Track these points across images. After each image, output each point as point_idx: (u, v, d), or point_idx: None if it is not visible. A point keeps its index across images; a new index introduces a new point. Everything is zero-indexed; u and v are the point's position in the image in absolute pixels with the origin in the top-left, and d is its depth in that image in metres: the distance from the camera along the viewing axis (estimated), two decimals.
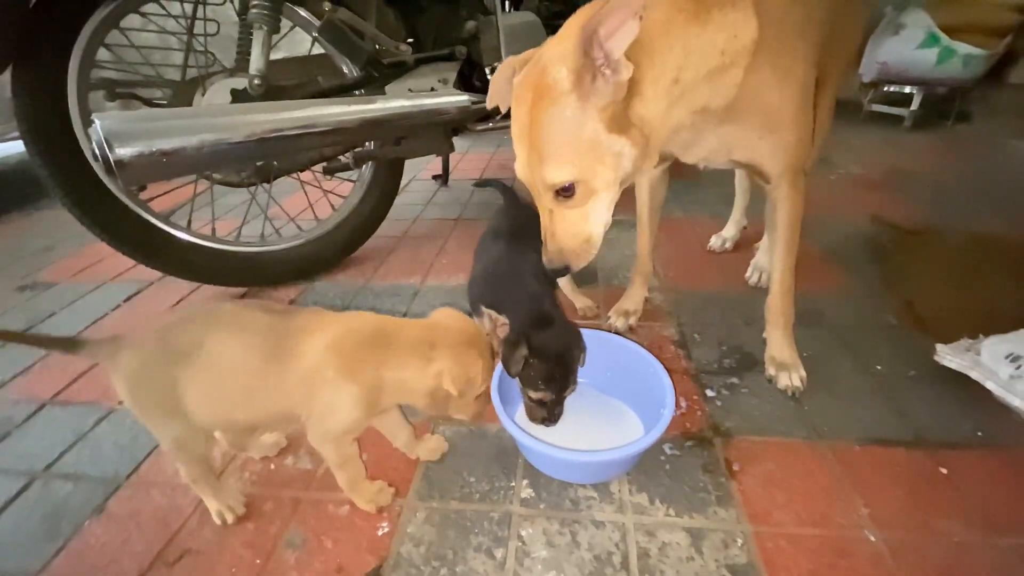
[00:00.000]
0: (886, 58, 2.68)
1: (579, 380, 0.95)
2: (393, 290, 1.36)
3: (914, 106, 2.77)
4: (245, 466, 0.85)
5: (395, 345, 0.68)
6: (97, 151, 0.93)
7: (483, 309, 0.83)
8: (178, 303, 1.36)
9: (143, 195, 1.21)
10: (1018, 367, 0.84)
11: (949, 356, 0.95)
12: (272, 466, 0.84)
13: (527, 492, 0.78)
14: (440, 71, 1.43)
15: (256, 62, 1.17)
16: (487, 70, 1.48)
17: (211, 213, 1.33)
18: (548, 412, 0.83)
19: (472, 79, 1.52)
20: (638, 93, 0.64)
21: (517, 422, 0.82)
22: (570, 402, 0.91)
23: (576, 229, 0.70)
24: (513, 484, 0.79)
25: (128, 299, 1.40)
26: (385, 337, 0.68)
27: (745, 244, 1.50)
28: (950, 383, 0.94)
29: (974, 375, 0.90)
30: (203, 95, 1.21)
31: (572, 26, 0.62)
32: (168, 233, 1.22)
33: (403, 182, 2.22)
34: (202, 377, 0.64)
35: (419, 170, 2.37)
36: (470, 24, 1.49)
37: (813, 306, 1.19)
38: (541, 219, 0.73)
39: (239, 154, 1.06)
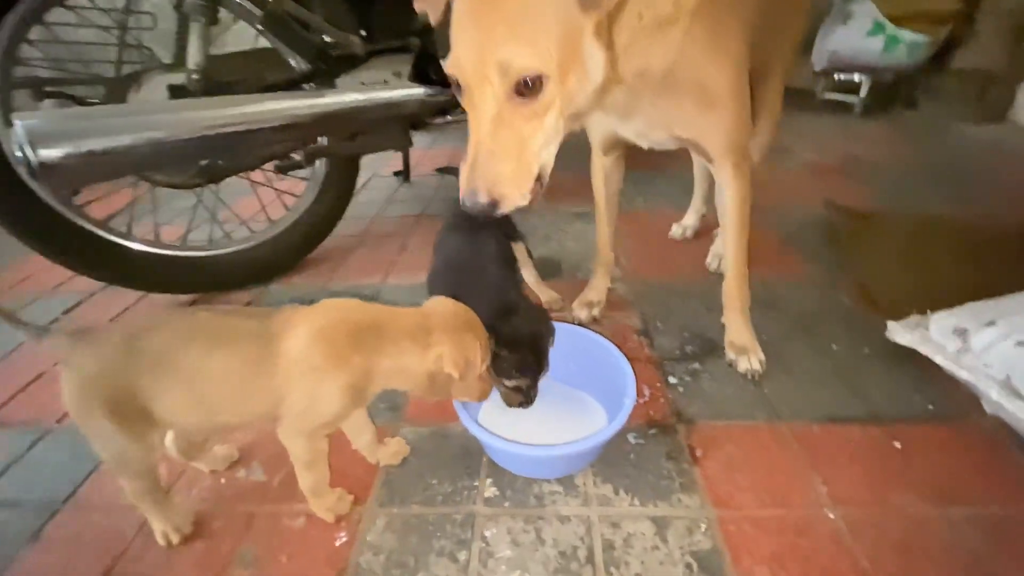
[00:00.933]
0: (836, 47, 2.75)
1: None
2: (352, 291, 1.32)
3: (863, 93, 2.86)
4: (194, 482, 0.80)
5: (389, 333, 0.66)
6: (19, 153, 0.86)
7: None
8: (123, 313, 1.29)
9: (77, 200, 1.14)
10: (964, 340, 0.86)
11: (900, 333, 0.98)
12: (223, 480, 0.80)
13: (491, 491, 0.76)
14: (394, 64, 1.39)
15: (194, 56, 1.11)
16: (442, 62, 1.44)
17: (154, 216, 1.26)
18: (525, 396, 0.82)
19: (427, 72, 1.48)
20: (617, 15, 0.61)
21: (479, 421, 0.81)
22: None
23: (522, 148, 0.57)
24: (477, 484, 0.77)
25: (67, 312, 1.31)
26: (376, 325, 0.66)
27: (706, 232, 1.51)
28: (902, 360, 0.97)
29: (923, 350, 0.93)
30: (138, 92, 1.14)
31: None
32: (107, 240, 1.15)
33: (363, 179, 2.16)
34: (183, 386, 0.61)
35: (380, 167, 2.32)
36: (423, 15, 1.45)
37: (771, 291, 1.21)
38: (474, 130, 0.57)
39: (178, 153, 1.01)
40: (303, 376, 0.63)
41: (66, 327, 0.66)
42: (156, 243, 1.22)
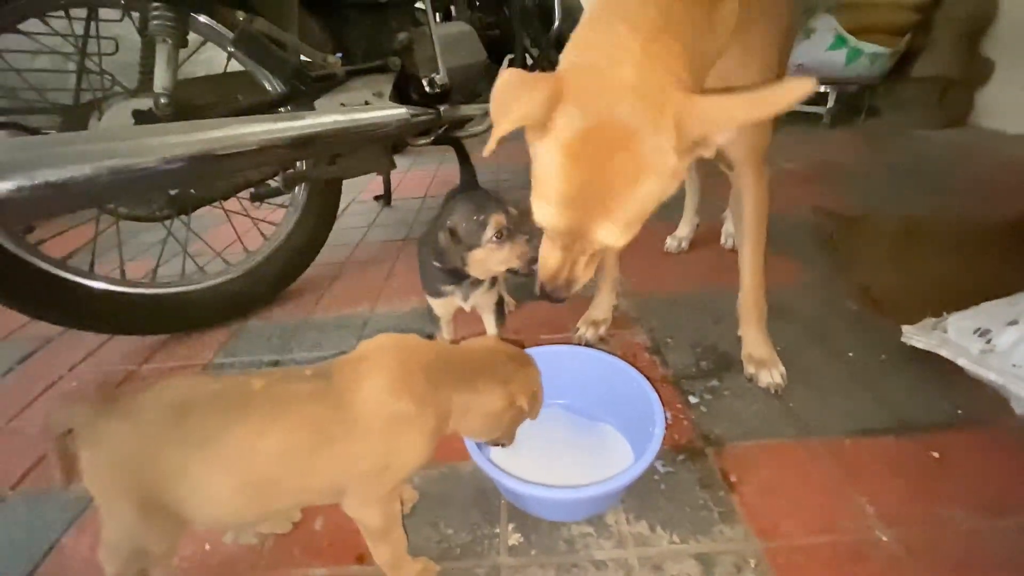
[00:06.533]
0: (801, 60, 2.83)
1: (556, 402, 0.88)
2: (339, 322, 1.24)
3: (830, 104, 2.94)
4: None
5: (460, 368, 0.61)
6: None
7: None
8: (83, 360, 1.17)
9: (31, 237, 1.04)
10: (988, 340, 0.84)
11: (916, 336, 0.95)
12: (207, 547, 0.70)
13: (515, 538, 0.68)
14: (374, 84, 1.33)
15: (161, 79, 1.03)
16: (424, 81, 1.40)
17: (119, 253, 1.16)
18: (534, 251, 0.78)
19: (408, 91, 1.43)
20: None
21: (491, 459, 0.73)
22: (549, 430, 0.84)
23: (593, 268, 0.67)
24: (498, 531, 0.70)
25: (23, 360, 1.19)
26: (446, 361, 0.60)
27: (701, 242, 1.49)
28: (921, 363, 0.94)
29: (944, 353, 0.90)
30: (100, 120, 1.05)
31: (671, 103, 0.51)
32: (65, 280, 1.05)
33: (343, 205, 2.09)
34: (232, 471, 0.51)
35: (359, 192, 2.25)
36: (402, 35, 1.41)
37: (774, 299, 1.15)
38: (553, 259, 0.64)
39: (143, 183, 0.92)
40: (388, 426, 0.54)
41: (83, 395, 0.54)
42: (121, 281, 1.12)
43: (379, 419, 0.54)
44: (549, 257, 0.63)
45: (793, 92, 0.46)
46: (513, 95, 0.51)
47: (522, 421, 0.68)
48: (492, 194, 0.88)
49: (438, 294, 0.92)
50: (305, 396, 0.54)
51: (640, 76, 0.51)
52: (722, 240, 1.49)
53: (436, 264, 0.85)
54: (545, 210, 0.57)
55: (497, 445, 0.70)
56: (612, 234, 0.55)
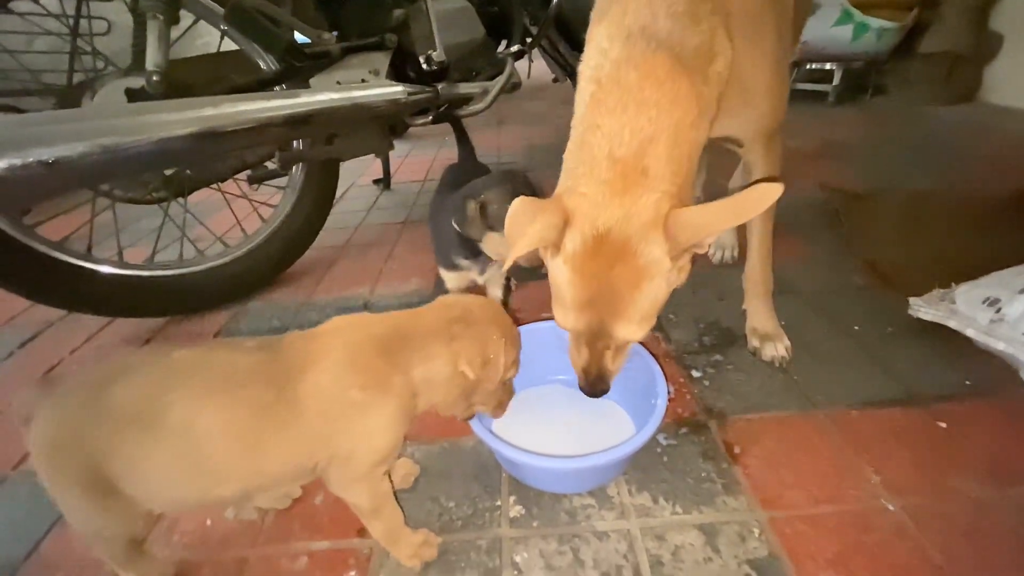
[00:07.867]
0: (806, 37, 2.77)
1: (557, 378, 0.88)
2: (339, 303, 1.23)
3: (835, 81, 2.90)
4: (175, 527, 0.70)
5: (414, 338, 0.57)
6: None
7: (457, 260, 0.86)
8: (84, 344, 1.17)
9: (28, 220, 1.03)
10: (997, 310, 0.82)
11: (924, 308, 0.94)
12: (209, 522, 0.70)
13: (516, 510, 0.68)
14: (370, 62, 1.31)
15: (153, 56, 1.01)
16: (421, 59, 1.37)
17: (116, 235, 1.15)
18: None
19: (405, 69, 1.41)
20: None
21: (495, 431, 0.73)
22: (550, 407, 0.83)
23: (622, 359, 0.69)
24: (499, 503, 0.69)
25: (23, 345, 1.19)
26: (400, 334, 0.57)
27: None
28: (928, 335, 0.93)
29: (952, 324, 0.89)
30: (93, 99, 1.04)
31: (659, 219, 0.56)
32: (64, 262, 1.04)
33: (342, 189, 2.07)
34: (169, 449, 0.49)
35: (358, 175, 2.23)
36: (398, 12, 1.38)
37: (779, 274, 1.13)
38: (582, 357, 0.66)
39: (138, 162, 0.91)
40: (343, 415, 0.52)
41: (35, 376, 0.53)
42: (120, 263, 1.11)
43: (330, 408, 0.52)
44: (576, 357, 0.67)
45: (766, 197, 0.54)
46: (526, 221, 0.57)
47: (492, 389, 0.62)
48: (534, 184, 0.85)
49: (454, 267, 0.91)
50: (245, 372, 0.52)
51: (624, 204, 0.56)
52: (711, 251, 1.30)
53: (455, 227, 0.82)
54: (564, 314, 0.63)
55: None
56: (628, 330, 0.61)
